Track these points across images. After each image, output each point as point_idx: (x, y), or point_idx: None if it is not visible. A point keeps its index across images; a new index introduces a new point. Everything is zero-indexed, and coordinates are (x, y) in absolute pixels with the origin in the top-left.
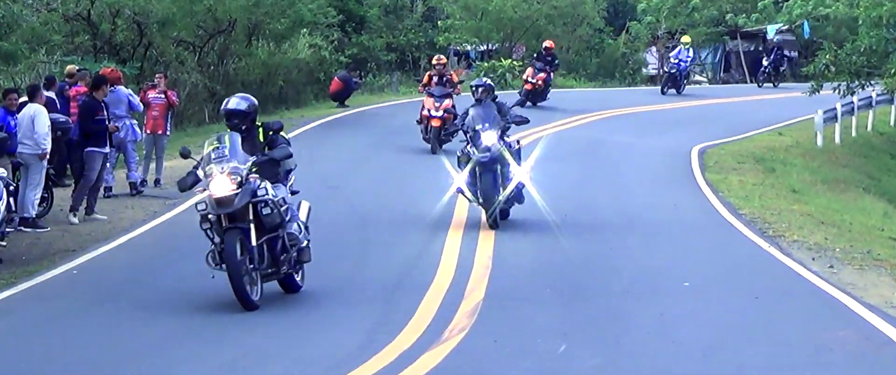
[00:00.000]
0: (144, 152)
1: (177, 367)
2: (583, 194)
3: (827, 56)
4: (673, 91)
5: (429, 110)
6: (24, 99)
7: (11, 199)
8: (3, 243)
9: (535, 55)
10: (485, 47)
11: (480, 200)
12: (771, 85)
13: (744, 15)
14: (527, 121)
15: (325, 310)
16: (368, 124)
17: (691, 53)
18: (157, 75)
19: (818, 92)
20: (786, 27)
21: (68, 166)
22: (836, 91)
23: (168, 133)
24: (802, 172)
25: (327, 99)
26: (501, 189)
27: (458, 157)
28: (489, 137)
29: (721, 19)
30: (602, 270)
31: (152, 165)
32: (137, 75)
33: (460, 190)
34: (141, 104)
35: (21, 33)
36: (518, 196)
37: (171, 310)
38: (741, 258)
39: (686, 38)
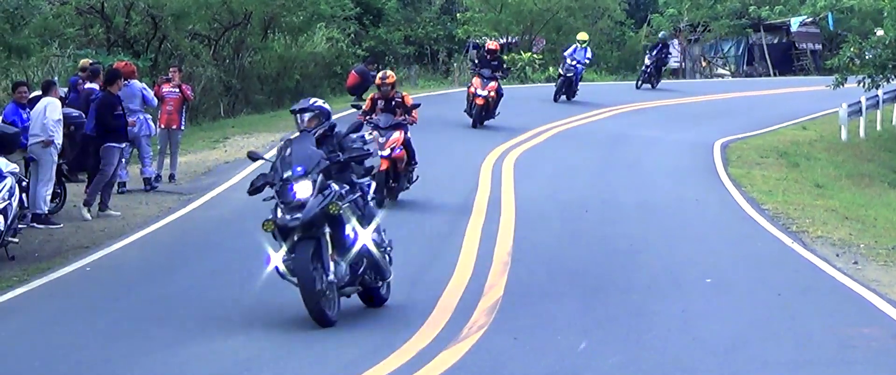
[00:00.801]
0: (158, 147)
1: (190, 365)
2: (604, 188)
3: (851, 49)
4: (564, 98)
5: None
6: (38, 93)
7: (24, 195)
8: (16, 240)
9: (475, 61)
10: (504, 40)
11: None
12: (649, 86)
13: (767, 7)
14: (367, 157)
15: (342, 304)
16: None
17: (589, 53)
18: (171, 69)
19: (842, 85)
20: (809, 19)
21: (82, 162)
22: (861, 84)
23: (182, 127)
24: (827, 167)
25: (344, 93)
26: (329, 265)
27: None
28: (303, 189)
29: (744, 11)
30: (623, 266)
31: (167, 160)
32: (151, 68)
33: (279, 272)
34: (155, 98)
35: (33, 27)
36: (375, 269)
37: (184, 308)
38: (764, 254)
39: (582, 35)
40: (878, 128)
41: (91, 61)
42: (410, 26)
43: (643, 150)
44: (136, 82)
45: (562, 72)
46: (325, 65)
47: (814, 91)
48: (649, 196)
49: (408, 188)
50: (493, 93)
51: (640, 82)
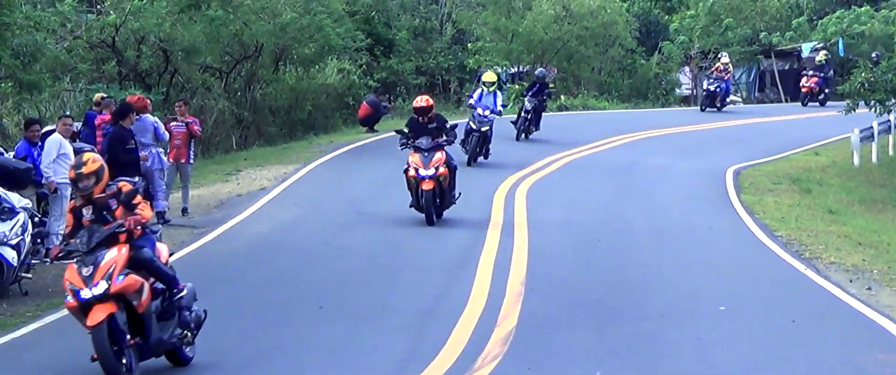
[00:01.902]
0: (166, 181)
1: None
2: (617, 216)
3: (863, 74)
4: (482, 158)
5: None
6: (50, 127)
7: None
8: (29, 275)
9: (404, 132)
10: (516, 69)
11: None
12: (529, 132)
13: (778, 33)
14: None
15: (356, 337)
16: (398, 149)
17: (501, 99)
18: (177, 104)
19: (854, 110)
20: (820, 45)
21: None
22: (873, 109)
23: (191, 161)
24: (839, 192)
25: (356, 124)
26: None
27: None
28: None
29: (755, 38)
30: (637, 293)
31: (178, 194)
32: (163, 101)
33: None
34: (166, 133)
35: (45, 62)
36: None
37: (198, 342)
38: (777, 280)
39: (489, 76)
40: (891, 152)
41: (104, 95)
42: (421, 57)
43: (655, 178)
44: (148, 116)
45: (474, 127)
46: (337, 97)
47: (825, 116)
48: (662, 224)
49: (455, 203)
50: (443, 169)
51: (520, 134)
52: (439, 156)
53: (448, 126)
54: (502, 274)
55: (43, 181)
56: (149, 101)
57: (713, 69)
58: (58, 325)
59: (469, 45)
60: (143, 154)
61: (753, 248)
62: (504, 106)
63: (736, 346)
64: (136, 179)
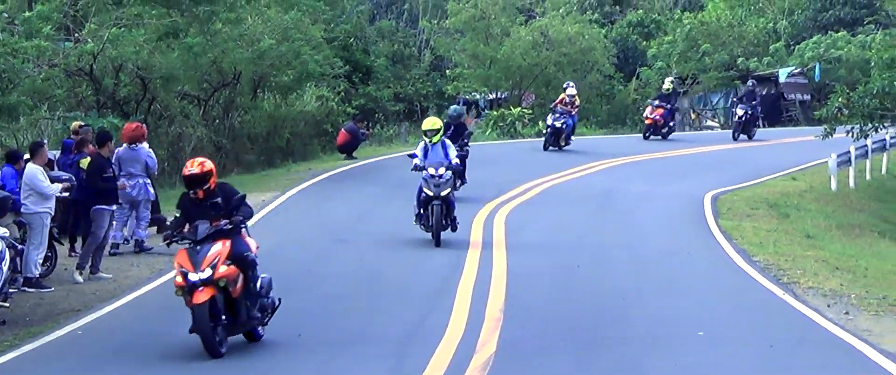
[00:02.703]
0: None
1: None
2: (596, 242)
3: (839, 99)
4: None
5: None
6: (26, 156)
7: (18, 259)
8: (7, 304)
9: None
10: (494, 96)
11: None
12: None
13: (755, 58)
14: None
15: (335, 365)
16: (376, 176)
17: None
18: None
19: (831, 135)
20: (797, 70)
21: (69, 226)
22: (850, 134)
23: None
24: (817, 217)
25: (335, 151)
26: None
27: None
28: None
29: (732, 64)
30: (616, 319)
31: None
32: None
33: None
34: (157, 165)
35: (23, 89)
36: None
37: (177, 370)
38: (756, 305)
39: (432, 122)
40: (868, 177)
41: (81, 123)
42: (400, 83)
43: (634, 204)
44: (144, 146)
45: (430, 193)
46: (316, 124)
47: (803, 141)
48: (641, 250)
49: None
50: (224, 270)
51: None
52: (218, 248)
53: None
54: (481, 301)
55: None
56: (146, 130)
57: (557, 102)
58: (37, 354)
59: (447, 71)
60: (130, 183)
61: (731, 273)
62: (464, 154)
63: (715, 371)
64: (114, 207)
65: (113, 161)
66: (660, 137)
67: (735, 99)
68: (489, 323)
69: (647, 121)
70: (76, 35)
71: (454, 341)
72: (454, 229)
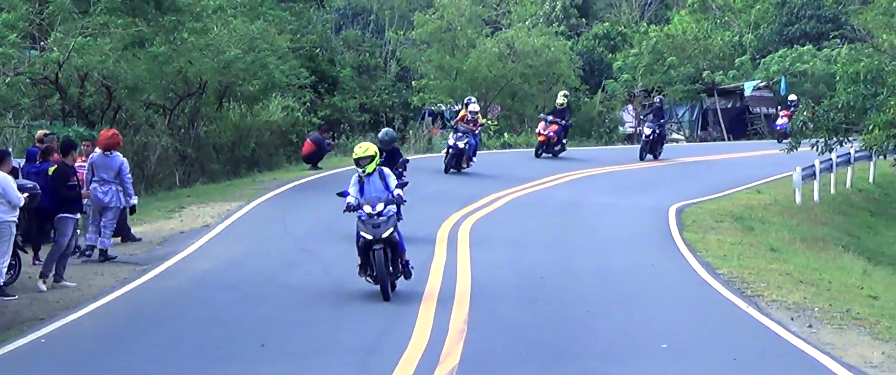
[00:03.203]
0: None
1: None
2: (560, 255)
3: (805, 112)
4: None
5: None
6: None
7: None
8: None
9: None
10: (459, 108)
11: None
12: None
13: (721, 72)
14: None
15: (299, 374)
16: (342, 186)
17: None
18: (84, 144)
19: (796, 149)
20: (763, 84)
21: (32, 234)
22: (815, 148)
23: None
24: (781, 230)
25: (300, 161)
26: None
27: None
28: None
29: (697, 77)
30: (580, 332)
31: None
32: None
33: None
34: (130, 175)
35: None
36: None
37: None
38: (719, 318)
39: (365, 148)
40: (833, 191)
41: (46, 132)
42: (365, 94)
43: (599, 216)
44: (119, 155)
45: (366, 237)
46: (281, 134)
47: (768, 155)
48: (605, 262)
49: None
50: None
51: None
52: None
53: None
54: (445, 312)
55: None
56: (121, 138)
57: (458, 119)
58: (5, 363)
59: (413, 82)
60: (103, 188)
61: (696, 286)
62: (404, 183)
63: None
64: (78, 215)
65: (87, 166)
66: (551, 155)
67: (642, 116)
68: (453, 335)
69: (539, 138)
70: (42, 43)
71: (418, 352)
72: (407, 276)
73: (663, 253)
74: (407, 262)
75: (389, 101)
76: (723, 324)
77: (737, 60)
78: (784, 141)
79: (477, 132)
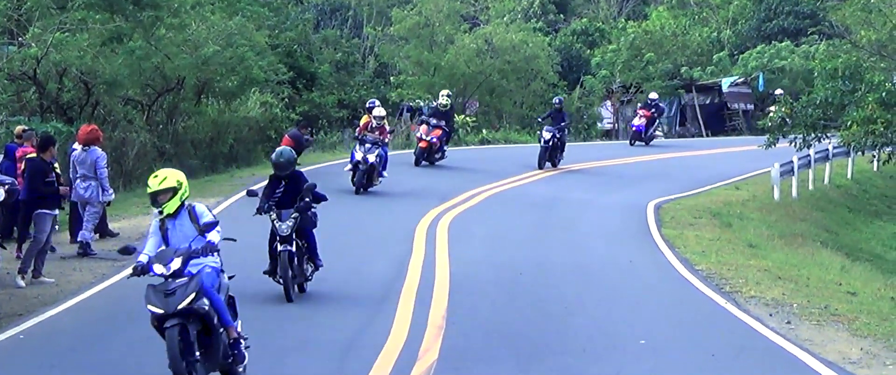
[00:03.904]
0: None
1: None
2: (538, 251)
3: (783, 108)
4: None
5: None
6: None
7: None
8: None
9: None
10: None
11: None
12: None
13: (699, 68)
14: None
15: (277, 370)
16: (319, 182)
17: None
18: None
19: (774, 145)
20: (741, 80)
21: (13, 228)
22: (793, 144)
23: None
24: (759, 227)
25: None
26: None
27: None
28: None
29: (676, 73)
30: (558, 328)
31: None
32: None
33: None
34: (106, 169)
35: None
36: None
37: None
38: (698, 314)
39: (160, 180)
40: (811, 187)
41: (24, 128)
42: (344, 90)
43: (577, 212)
44: (97, 149)
45: (154, 310)
46: (259, 130)
47: (746, 151)
48: (584, 258)
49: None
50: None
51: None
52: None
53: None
54: (424, 308)
55: None
56: (101, 134)
57: (361, 128)
58: None
59: (392, 78)
60: (83, 184)
61: (674, 282)
62: (308, 225)
63: None
64: (55, 211)
65: (70, 164)
66: (429, 164)
67: (540, 119)
68: (432, 330)
69: (420, 144)
70: (20, 39)
71: (397, 348)
72: (237, 363)
73: (641, 249)
74: (237, 342)
75: (368, 97)
76: (701, 320)
77: (715, 56)
78: (637, 142)
79: (386, 141)
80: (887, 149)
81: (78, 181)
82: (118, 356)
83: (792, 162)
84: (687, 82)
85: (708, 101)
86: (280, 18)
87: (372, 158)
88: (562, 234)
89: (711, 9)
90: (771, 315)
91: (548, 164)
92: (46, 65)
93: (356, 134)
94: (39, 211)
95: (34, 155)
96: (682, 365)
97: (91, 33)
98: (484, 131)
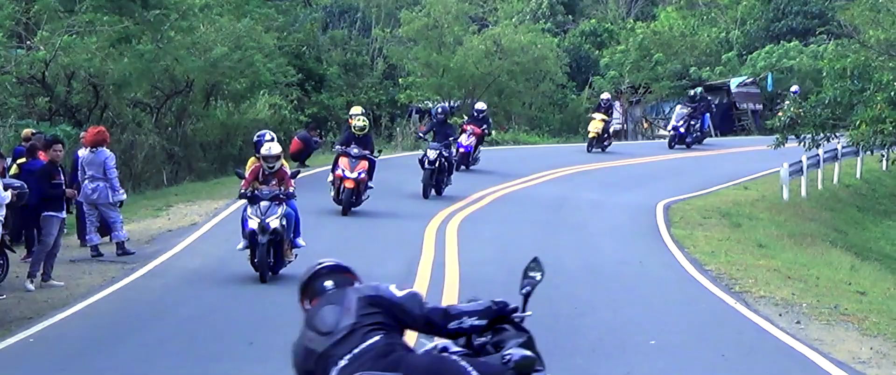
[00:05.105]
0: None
1: None
2: (548, 251)
3: (791, 108)
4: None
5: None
6: None
7: None
8: None
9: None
10: (447, 103)
11: None
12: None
13: (708, 68)
14: None
15: (287, 371)
16: (328, 185)
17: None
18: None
19: (783, 145)
20: (749, 80)
21: (22, 232)
22: (801, 144)
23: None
24: (768, 227)
25: (288, 159)
26: None
27: None
28: None
29: (684, 73)
30: (568, 328)
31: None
32: None
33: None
34: (115, 169)
35: None
36: None
37: None
38: (707, 315)
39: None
40: (820, 187)
41: (33, 131)
42: (353, 92)
43: (586, 213)
44: (105, 150)
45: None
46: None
47: (755, 151)
48: (593, 258)
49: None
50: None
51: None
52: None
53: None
54: None
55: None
56: (109, 135)
57: (246, 179)
58: None
59: (400, 79)
60: (91, 185)
61: (683, 282)
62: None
63: None
64: (63, 214)
65: (79, 166)
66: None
67: (420, 134)
68: None
69: (346, 185)
70: (28, 42)
71: None
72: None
73: (651, 249)
74: None
75: (376, 99)
76: (711, 321)
77: (723, 56)
78: (463, 167)
79: (291, 192)
80: None
81: (86, 182)
82: (127, 360)
83: (801, 161)
84: (695, 82)
85: (717, 102)
86: (288, 20)
87: (274, 223)
88: (571, 235)
89: (720, 9)
90: (780, 315)
91: (432, 192)
92: (55, 69)
93: (241, 189)
94: (46, 213)
95: (24, 160)
96: (691, 365)
97: (99, 35)
98: (493, 132)
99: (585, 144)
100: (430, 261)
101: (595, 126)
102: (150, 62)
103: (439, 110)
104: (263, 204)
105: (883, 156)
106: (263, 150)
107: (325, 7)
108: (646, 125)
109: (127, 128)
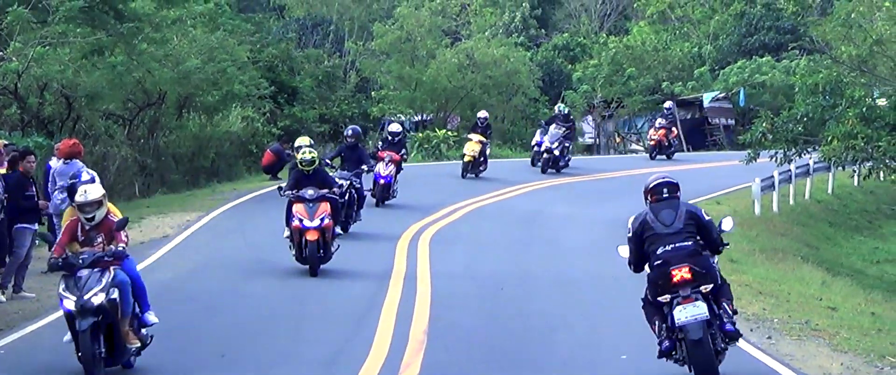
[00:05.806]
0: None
1: None
2: (520, 265)
3: (764, 124)
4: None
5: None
6: None
7: None
8: None
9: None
10: (419, 118)
11: None
12: None
13: (680, 83)
14: None
15: None
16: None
17: None
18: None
19: (755, 160)
20: (722, 95)
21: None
22: (773, 159)
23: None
24: (740, 241)
25: (260, 171)
26: None
27: None
28: None
29: (657, 88)
30: (540, 342)
31: None
32: None
33: None
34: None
35: None
36: None
37: None
38: None
39: None
40: (791, 202)
41: (5, 142)
42: (325, 105)
43: (559, 227)
44: (78, 162)
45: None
46: (241, 144)
47: (727, 166)
48: (565, 273)
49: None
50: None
51: None
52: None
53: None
54: (405, 323)
55: None
56: (82, 148)
57: (59, 243)
58: None
59: (373, 93)
60: (61, 196)
61: None
62: None
63: None
64: (35, 226)
65: (50, 177)
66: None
67: (329, 159)
68: (413, 345)
69: (308, 238)
70: (1, 53)
71: (378, 362)
72: None
73: (623, 264)
74: None
75: (349, 112)
76: None
77: (696, 71)
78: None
79: (123, 248)
80: (867, 165)
81: (56, 193)
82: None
83: (773, 177)
84: (668, 97)
85: (689, 116)
86: (262, 34)
87: (98, 299)
88: (544, 248)
89: (692, 24)
90: (752, 330)
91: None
92: (27, 80)
93: (50, 257)
94: (19, 225)
95: (4, 171)
96: None
97: (72, 47)
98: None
99: (460, 170)
100: (402, 274)
101: (471, 148)
102: (123, 74)
103: (349, 133)
104: (83, 273)
105: (854, 171)
106: (78, 196)
107: (298, 19)
108: (618, 140)
109: (99, 139)
